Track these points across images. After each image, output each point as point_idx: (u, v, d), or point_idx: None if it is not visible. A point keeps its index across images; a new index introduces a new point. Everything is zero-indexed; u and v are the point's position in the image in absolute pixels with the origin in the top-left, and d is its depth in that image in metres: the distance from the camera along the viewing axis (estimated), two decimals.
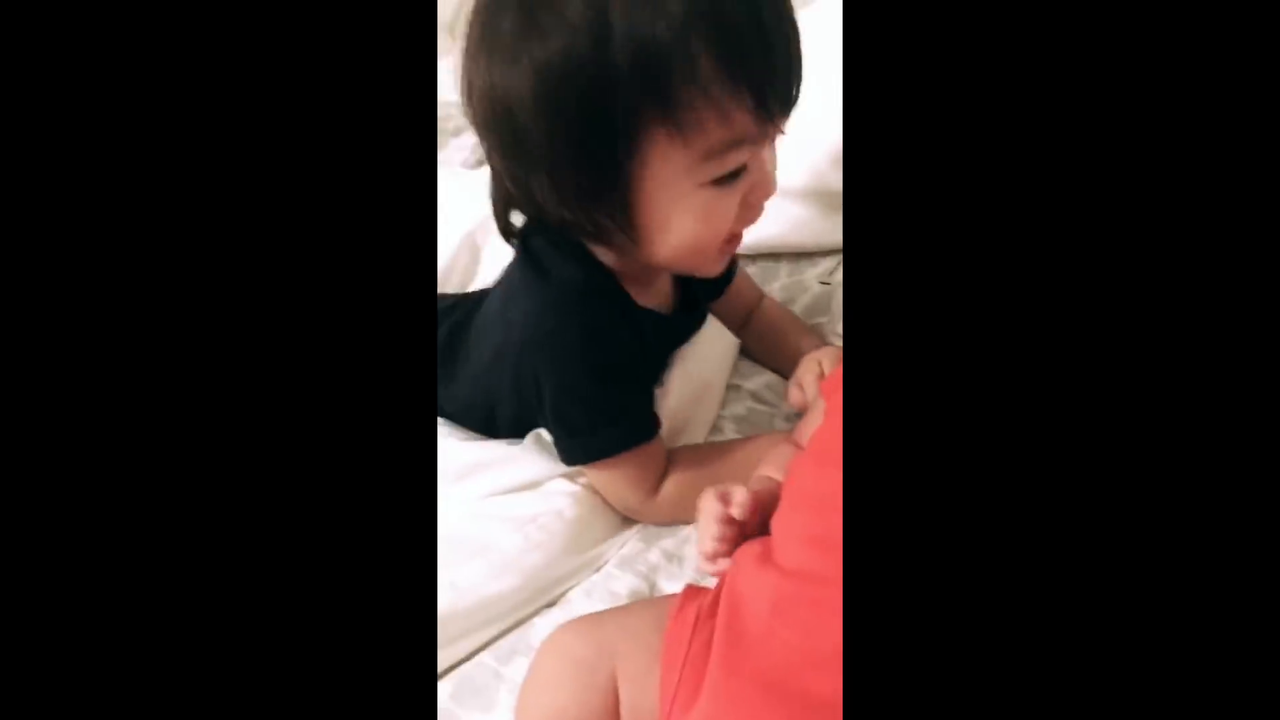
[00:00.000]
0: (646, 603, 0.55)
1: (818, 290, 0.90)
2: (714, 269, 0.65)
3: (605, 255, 0.64)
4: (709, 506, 0.54)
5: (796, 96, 0.56)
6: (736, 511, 0.52)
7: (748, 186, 0.57)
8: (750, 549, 0.51)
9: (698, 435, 0.77)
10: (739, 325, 0.84)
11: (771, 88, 0.52)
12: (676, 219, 0.56)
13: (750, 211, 0.60)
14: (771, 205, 0.62)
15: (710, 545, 0.54)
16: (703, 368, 0.78)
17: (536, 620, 0.64)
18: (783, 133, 0.58)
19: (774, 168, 0.60)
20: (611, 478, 0.68)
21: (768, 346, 0.82)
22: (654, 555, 0.67)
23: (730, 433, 0.78)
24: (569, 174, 0.53)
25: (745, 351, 0.85)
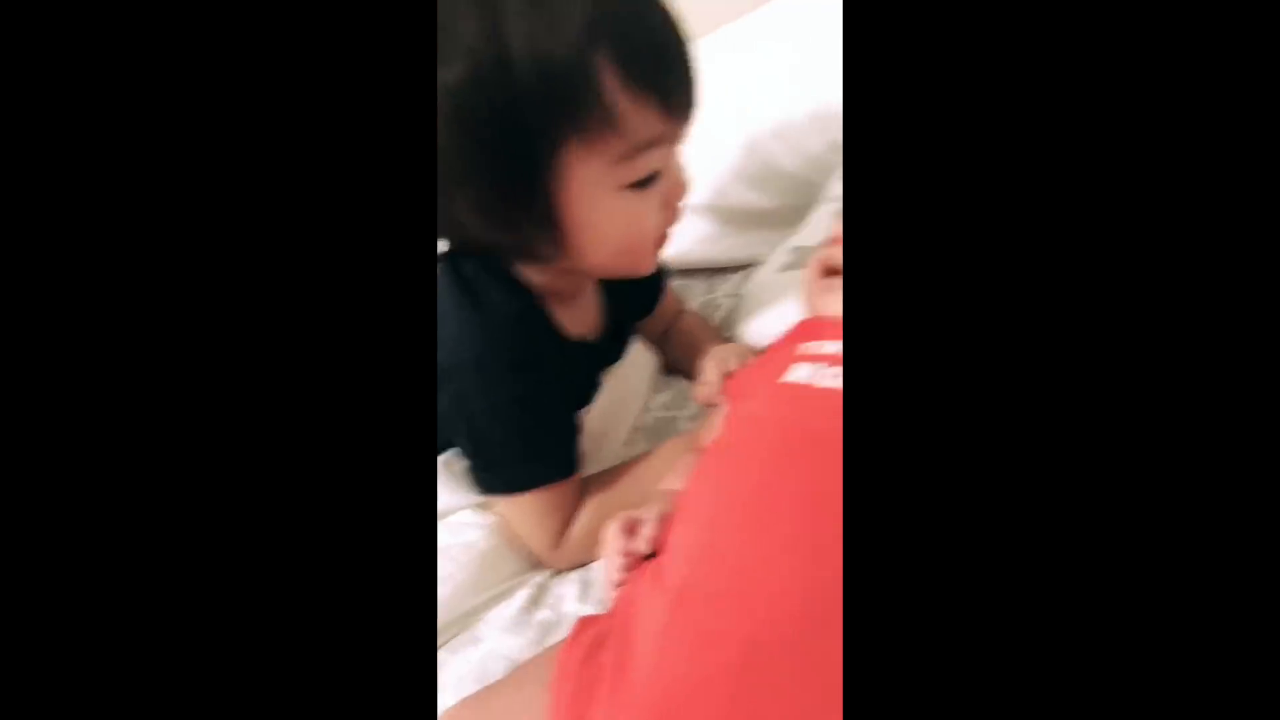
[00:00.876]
0: (536, 663, 0.53)
1: (729, 307, 0.90)
2: (647, 268, 0.65)
3: (535, 275, 0.64)
4: (613, 541, 0.53)
5: (696, 98, 0.57)
6: (642, 546, 0.51)
7: (665, 189, 0.59)
8: (644, 570, 0.50)
9: (612, 450, 0.77)
10: (659, 337, 0.85)
11: (675, 89, 0.54)
12: (601, 225, 0.57)
13: (670, 212, 0.62)
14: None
15: (617, 577, 0.53)
16: (625, 387, 0.78)
17: (444, 655, 0.62)
18: (685, 137, 0.59)
19: (682, 169, 0.62)
20: (523, 514, 0.67)
21: (685, 356, 0.83)
22: (562, 586, 0.66)
23: (640, 444, 0.78)
24: (489, 194, 0.54)
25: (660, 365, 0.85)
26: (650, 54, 0.52)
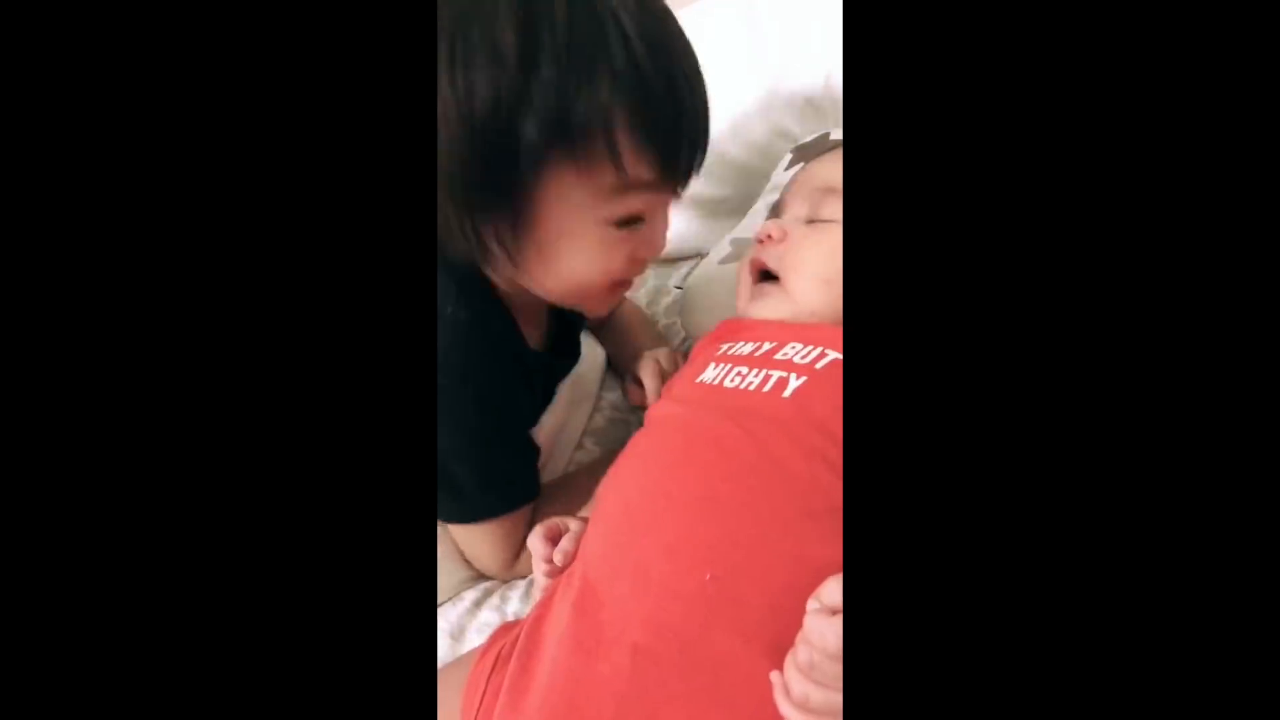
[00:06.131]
0: (454, 669, 0.53)
1: (676, 294, 0.90)
2: (599, 311, 0.64)
3: (499, 279, 0.62)
4: (537, 548, 0.54)
5: (700, 164, 0.57)
6: (559, 559, 0.52)
7: (640, 239, 0.57)
8: (564, 575, 0.51)
9: (564, 455, 0.77)
10: (598, 325, 0.84)
11: (676, 152, 0.54)
12: (566, 252, 0.56)
13: (636, 265, 0.60)
14: None
15: (542, 582, 0.53)
16: (577, 393, 0.78)
17: None
18: (679, 196, 0.58)
19: (666, 229, 0.60)
20: (478, 541, 0.67)
21: (618, 349, 0.83)
22: (511, 588, 0.67)
23: (590, 447, 0.78)
24: (467, 187, 0.52)
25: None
26: (664, 115, 0.52)
